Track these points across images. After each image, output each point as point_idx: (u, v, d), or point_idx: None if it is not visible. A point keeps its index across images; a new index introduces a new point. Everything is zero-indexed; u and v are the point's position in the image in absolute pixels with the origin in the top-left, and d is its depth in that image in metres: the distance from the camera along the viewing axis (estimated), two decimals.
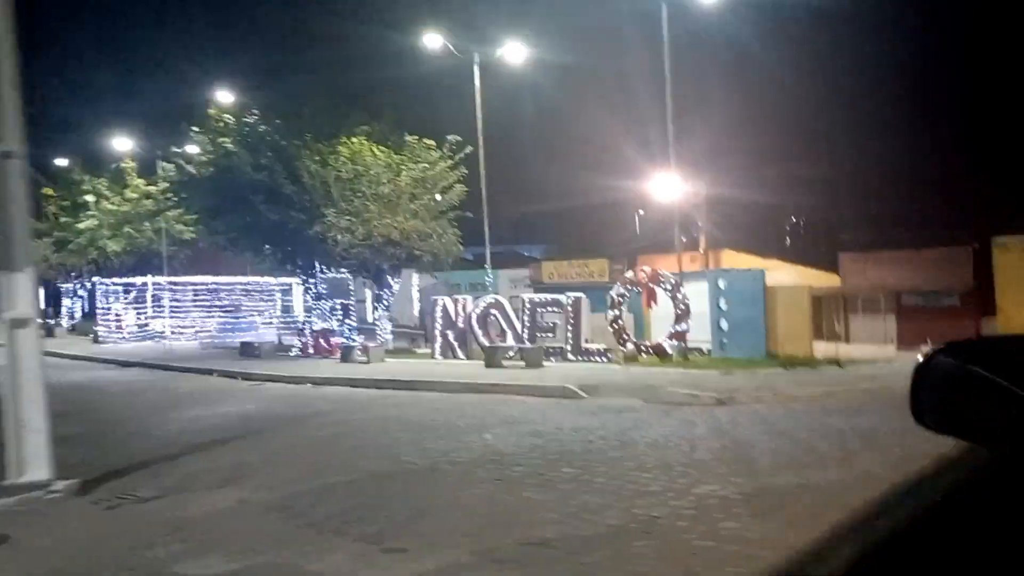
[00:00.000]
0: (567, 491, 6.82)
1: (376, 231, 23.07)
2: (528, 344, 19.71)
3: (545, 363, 18.94)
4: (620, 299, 20.44)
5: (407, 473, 7.86)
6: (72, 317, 39.28)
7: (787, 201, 33.66)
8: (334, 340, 23.80)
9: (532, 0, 30.93)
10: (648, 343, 20.16)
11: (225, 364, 22.80)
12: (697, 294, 20.29)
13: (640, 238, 33.90)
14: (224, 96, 27.31)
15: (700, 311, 20.28)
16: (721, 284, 20.36)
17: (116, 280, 32.77)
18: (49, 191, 38.44)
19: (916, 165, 30.66)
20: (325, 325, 24.84)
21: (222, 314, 31.37)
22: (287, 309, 31.28)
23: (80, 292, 38.28)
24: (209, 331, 30.23)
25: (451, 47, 24.42)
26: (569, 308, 19.93)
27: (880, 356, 20.67)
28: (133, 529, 6.37)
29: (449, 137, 23.85)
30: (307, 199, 23.07)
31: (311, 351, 24.04)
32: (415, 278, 27.11)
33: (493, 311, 20.81)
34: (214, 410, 14.50)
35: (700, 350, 20.25)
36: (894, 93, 32.07)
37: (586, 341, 20.21)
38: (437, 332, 21.54)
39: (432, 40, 24.81)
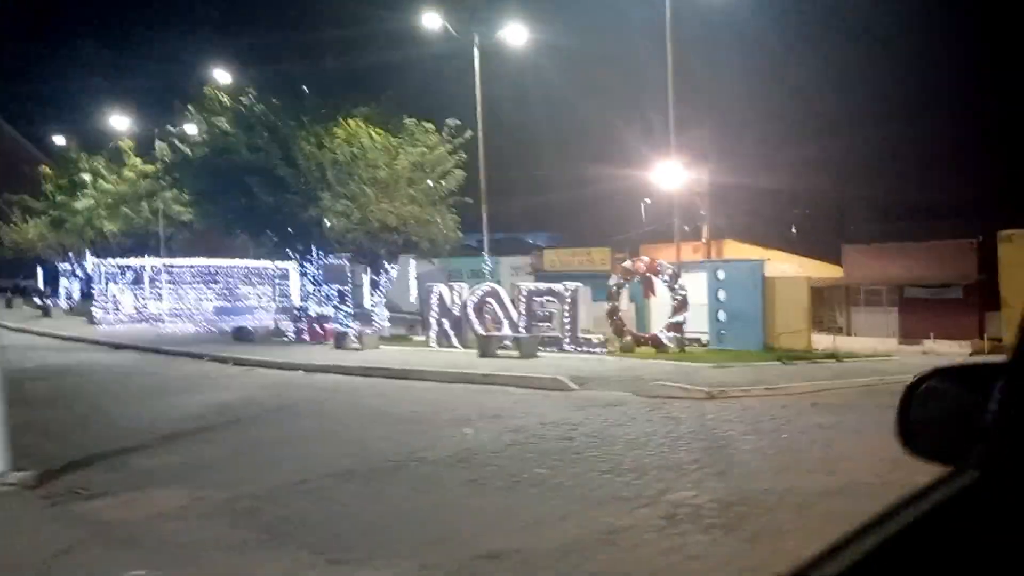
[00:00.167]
0: (534, 495, 6.54)
1: (372, 216, 22.77)
2: (524, 334, 19.42)
3: (540, 353, 18.65)
4: (618, 289, 20.15)
5: (372, 472, 7.59)
6: (70, 298, 39.14)
7: (791, 191, 33.21)
8: (329, 326, 23.56)
9: None
10: (646, 334, 19.88)
11: (217, 349, 22.58)
12: (696, 285, 20.00)
13: (644, 227, 33.54)
14: (221, 75, 26.99)
15: (699, 302, 19.99)
16: (720, 275, 20.06)
17: (113, 261, 32.53)
18: (47, 169, 38.31)
19: (922, 156, 30.18)
20: (321, 311, 24.60)
21: (218, 298, 31.15)
22: (284, 294, 31.05)
23: (78, 272, 38.11)
24: (205, 314, 30.04)
25: (451, 28, 24.00)
26: (566, 298, 19.61)
27: (880, 350, 20.37)
28: (67, 528, 6.14)
29: (448, 121, 23.48)
30: (303, 182, 22.77)
31: (306, 337, 23.81)
32: (413, 264, 26.84)
33: (489, 299, 20.52)
34: (197, 398, 14.26)
35: (699, 341, 19.98)
36: (901, 82, 31.54)
37: (583, 331, 19.94)
38: (432, 320, 21.27)
39: (432, 21, 24.40)
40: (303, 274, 26.01)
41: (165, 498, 6.90)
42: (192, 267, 31.36)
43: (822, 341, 20.41)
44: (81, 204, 35.73)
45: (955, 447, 1.40)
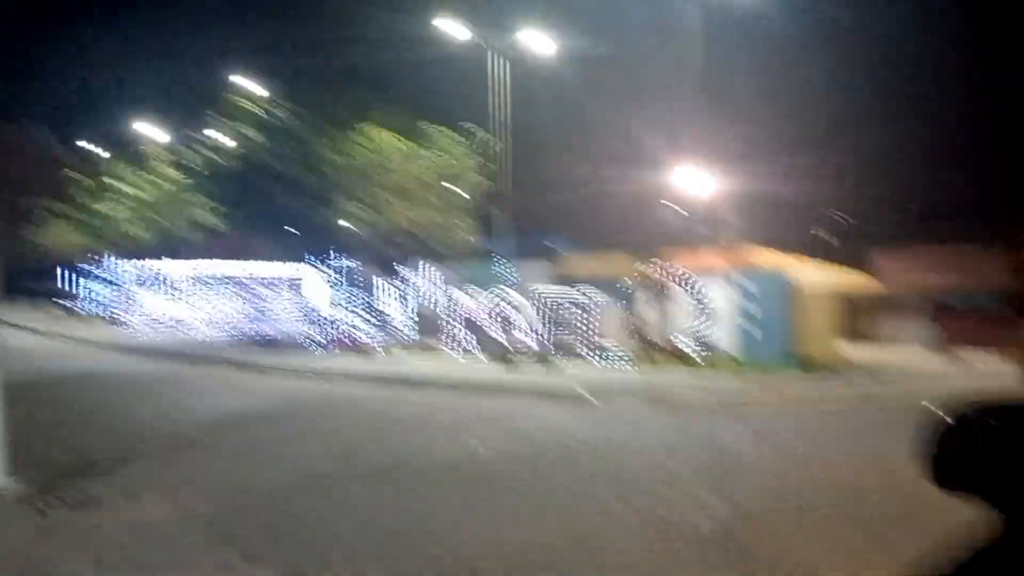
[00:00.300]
0: (523, 509, 6.29)
1: (391, 221, 22.70)
2: (543, 342, 19.17)
3: (559, 362, 18.40)
4: (636, 296, 19.82)
5: (361, 480, 7.37)
6: (95, 301, 39.51)
7: (818, 196, 32.61)
8: (351, 334, 23.48)
9: None
10: (666, 343, 19.52)
11: (241, 355, 22.60)
12: (719, 292, 19.61)
13: (667, 233, 33.11)
14: (244, 83, 27.11)
15: (722, 310, 19.60)
16: (743, 282, 19.63)
17: (138, 264, 32.72)
18: (75, 173, 38.76)
19: (957, 156, 29.40)
20: (344, 318, 24.52)
21: (245, 303, 31.20)
22: (308, 300, 31.04)
23: (104, 276, 38.45)
24: (231, 320, 30.09)
25: (470, 33, 23.81)
26: (586, 305, 19.33)
27: (911, 361, 19.84)
28: (44, 541, 6.01)
29: (466, 125, 23.35)
30: (322, 187, 22.79)
31: (329, 344, 23.74)
32: (433, 271, 26.66)
33: (510, 307, 20.30)
34: (210, 405, 14.18)
35: (722, 351, 19.59)
36: (933, 76, 30.76)
37: (603, 340, 19.64)
38: (452, 328, 21.09)
39: (451, 26, 24.23)
40: (327, 281, 25.98)
41: (152, 508, 6.75)
42: (217, 273, 31.44)
43: (851, 351, 19.93)
44: (108, 208, 36.07)
45: (985, 484, 1.42)
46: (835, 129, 32.23)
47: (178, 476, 8.06)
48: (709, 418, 11.14)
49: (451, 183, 23.64)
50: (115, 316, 33.44)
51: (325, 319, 24.92)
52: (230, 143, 24.89)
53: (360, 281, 24.89)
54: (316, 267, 26.55)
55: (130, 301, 32.16)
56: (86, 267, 40.46)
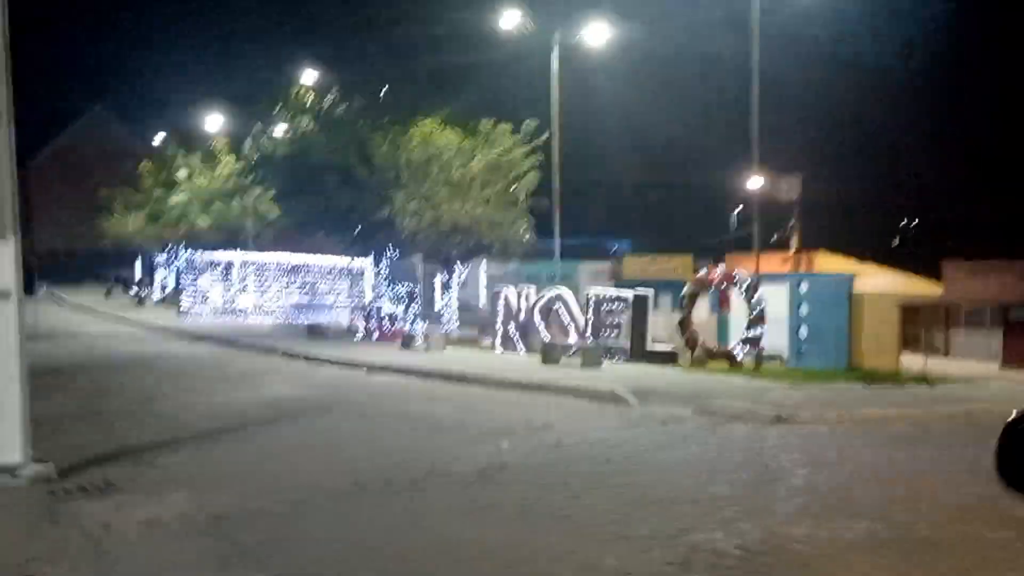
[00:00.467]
0: (538, 527, 5.94)
1: (444, 216, 22.51)
2: (590, 342, 18.75)
3: (605, 362, 17.94)
4: (691, 299, 19.24)
5: (381, 489, 7.11)
6: (164, 288, 40.43)
7: (891, 202, 31.45)
8: (397, 326, 23.42)
9: None
10: (719, 348, 18.91)
11: (290, 344, 22.74)
12: (777, 298, 18.89)
13: (730, 235, 32.34)
14: (304, 75, 27.29)
15: (779, 316, 18.91)
16: (802, 288, 18.90)
17: (204, 254, 33.33)
18: (147, 164, 39.78)
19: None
20: (392, 310, 24.49)
21: (299, 293, 31.50)
22: (359, 292, 31.20)
23: (172, 264, 39.30)
24: (285, 309, 30.40)
25: (530, 26, 23.39)
26: (635, 305, 18.82)
27: (978, 375, 18.85)
28: (54, 532, 5.94)
29: (527, 121, 22.98)
30: (377, 182, 22.73)
31: (375, 335, 23.72)
32: (484, 266, 26.47)
33: (557, 304, 19.91)
34: (251, 393, 14.20)
35: (778, 358, 18.91)
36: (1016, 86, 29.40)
37: (653, 341, 19.13)
38: (499, 323, 20.80)
39: (510, 20, 23.86)
40: (376, 273, 26.01)
41: (170, 503, 6.62)
42: (276, 262, 31.78)
43: (914, 363, 19.03)
44: (176, 199, 36.85)
45: None
46: (915, 135, 31.07)
47: (204, 470, 7.95)
48: (755, 431, 10.61)
49: (507, 179, 23.33)
50: (177, 302, 34.12)
51: (374, 310, 24.92)
52: (289, 134, 25.04)
53: (410, 274, 24.85)
54: (368, 259, 26.62)
55: (192, 288, 32.73)
56: (152, 255, 41.47)
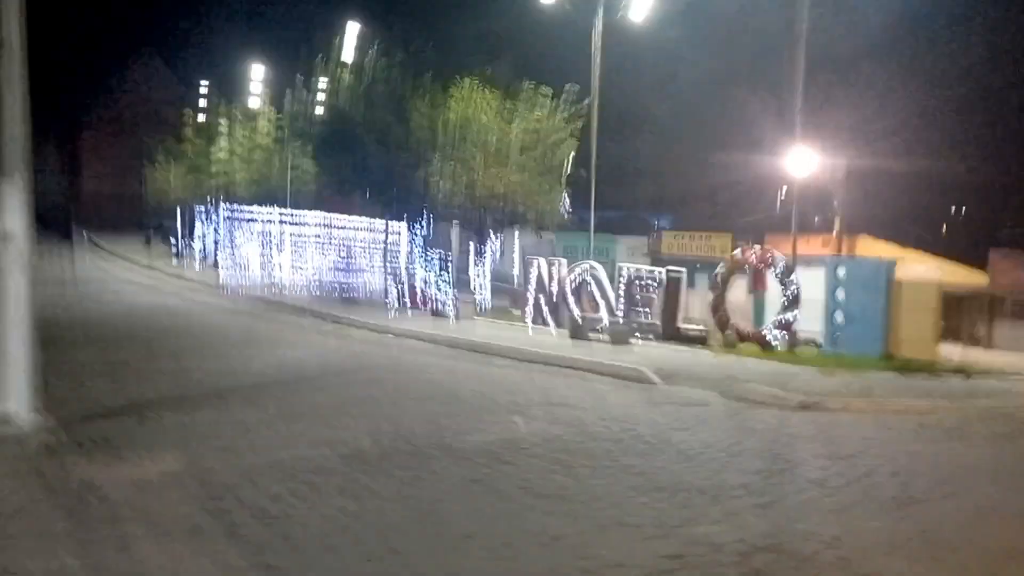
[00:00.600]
0: (535, 508, 5.74)
1: (480, 182, 22.26)
2: (619, 319, 18.46)
3: (635, 341, 17.68)
4: (725, 279, 18.82)
5: (379, 459, 6.95)
6: (197, 241, 40.82)
7: (940, 188, 30.47)
8: (429, 292, 23.32)
9: None
10: (752, 330, 18.52)
11: (321, 306, 22.83)
12: (813, 281, 18.41)
13: (771, 215, 31.65)
14: (347, 29, 27.09)
15: (815, 300, 18.44)
16: (840, 272, 18.34)
17: (242, 209, 33.41)
18: (189, 113, 40.07)
19: None
20: (424, 275, 24.39)
21: (333, 256, 31.51)
22: (392, 256, 31.15)
23: (211, 218, 39.58)
24: (319, 271, 30.46)
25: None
26: (667, 284, 18.47)
27: (1021, 367, 18.25)
28: (39, 484, 5.86)
29: (567, 86, 22.53)
30: (415, 142, 22.52)
31: (406, 301, 23.67)
32: (518, 236, 26.18)
33: (588, 279, 19.62)
34: (273, 352, 14.20)
35: (813, 342, 18.48)
36: None
37: (684, 321, 18.79)
38: (529, 296, 20.58)
39: None
40: (411, 240, 25.89)
41: (163, 462, 6.54)
42: (314, 221, 31.75)
43: (953, 353, 18.48)
44: (217, 154, 37.07)
45: None
46: (966, 118, 30.01)
47: (202, 431, 7.85)
48: (778, 417, 10.31)
49: (548, 149, 22.96)
50: (213, 257, 34.39)
51: (407, 278, 24.84)
52: (331, 94, 24.95)
53: (445, 242, 24.70)
54: (403, 224, 26.49)
55: (228, 244, 32.89)
56: (193, 208, 41.82)
